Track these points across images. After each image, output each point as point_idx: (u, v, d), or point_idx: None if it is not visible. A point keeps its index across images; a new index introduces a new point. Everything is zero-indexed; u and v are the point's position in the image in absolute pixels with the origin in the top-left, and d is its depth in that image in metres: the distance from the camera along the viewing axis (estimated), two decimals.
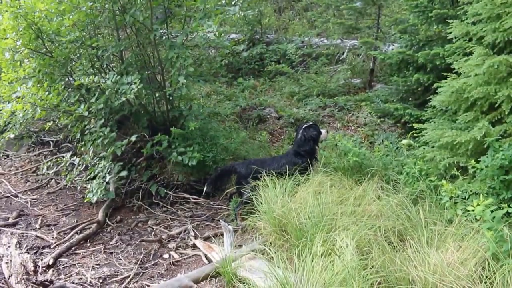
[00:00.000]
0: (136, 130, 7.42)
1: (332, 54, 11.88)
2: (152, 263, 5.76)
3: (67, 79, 7.35)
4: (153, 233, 6.50)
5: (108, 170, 6.79)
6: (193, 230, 6.38)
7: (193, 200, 7.23)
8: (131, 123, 7.67)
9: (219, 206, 7.04)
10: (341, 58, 11.75)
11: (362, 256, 4.39)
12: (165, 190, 7.27)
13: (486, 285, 3.96)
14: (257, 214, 5.69)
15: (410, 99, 8.56)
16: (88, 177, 7.25)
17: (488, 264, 4.08)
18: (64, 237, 6.30)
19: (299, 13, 14.66)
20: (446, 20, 7.02)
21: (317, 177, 6.04)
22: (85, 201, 6.99)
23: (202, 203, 7.17)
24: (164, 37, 7.05)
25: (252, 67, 11.74)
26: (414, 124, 6.83)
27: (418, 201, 5.54)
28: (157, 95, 7.52)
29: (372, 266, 4.30)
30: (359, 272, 4.08)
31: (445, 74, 6.32)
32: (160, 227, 6.62)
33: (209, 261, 5.59)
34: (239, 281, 4.77)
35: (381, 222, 4.99)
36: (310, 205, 5.28)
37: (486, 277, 4.02)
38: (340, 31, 11.05)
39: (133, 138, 6.74)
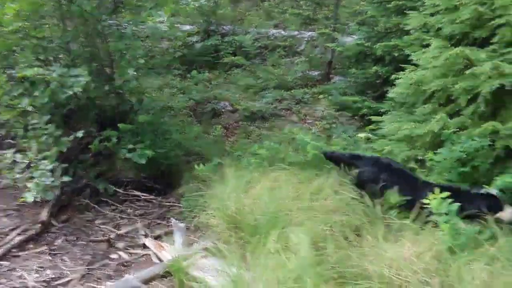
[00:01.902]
0: (83, 125, 7.07)
1: (290, 45, 11.73)
2: (100, 264, 5.46)
3: (9, 71, 6.94)
4: (101, 232, 6.18)
5: (50, 170, 6.41)
6: (143, 229, 6.12)
7: (143, 197, 6.94)
8: (78, 118, 7.31)
9: (171, 204, 6.78)
10: (298, 50, 11.61)
11: (317, 252, 4.23)
12: (114, 188, 6.95)
13: (442, 278, 3.87)
14: (210, 211, 5.48)
15: (368, 91, 8.53)
16: (30, 176, 6.87)
17: (444, 257, 4.01)
18: (4, 239, 5.93)
19: (256, 4, 14.43)
20: (405, 11, 6.94)
21: (273, 172, 5.86)
22: (20, 200, 6.58)
23: (153, 201, 6.90)
24: (113, 28, 6.74)
25: (207, 59, 11.46)
26: (372, 117, 6.77)
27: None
28: (106, 88, 7.19)
29: (328, 262, 4.16)
30: (314, 268, 3.94)
31: (403, 66, 6.25)
32: (109, 226, 6.31)
33: (160, 260, 5.35)
34: (191, 280, 4.58)
35: (338, 217, 4.84)
36: (265, 201, 5.10)
37: (442, 270, 3.94)
38: (298, 22, 10.94)
39: (80, 134, 6.42)
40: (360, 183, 5.27)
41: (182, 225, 5.17)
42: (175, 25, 8.71)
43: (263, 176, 5.81)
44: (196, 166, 6.42)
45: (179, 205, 6.53)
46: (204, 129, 8.59)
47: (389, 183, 4.98)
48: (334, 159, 5.72)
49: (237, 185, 5.62)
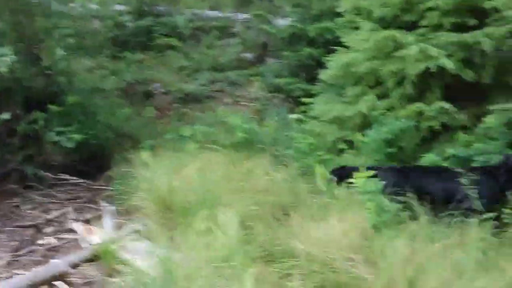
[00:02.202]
0: (10, 107, 6.77)
1: (224, 27, 11.60)
2: (27, 250, 5.27)
3: None
4: (29, 218, 5.96)
5: None
6: (73, 213, 5.95)
7: (73, 181, 6.72)
8: (4, 100, 6.99)
9: (102, 187, 6.60)
10: (233, 31, 11.52)
11: (246, 231, 4.25)
12: (42, 172, 6.71)
13: (366, 255, 3.96)
14: (141, 193, 5.38)
15: (302, 73, 8.56)
16: None
17: (369, 234, 4.11)
18: None
19: None
20: None
21: (205, 154, 5.83)
22: None
23: (84, 185, 6.69)
24: (41, 5, 6.46)
25: (140, 40, 11.11)
26: (304, 99, 6.81)
27: (307, 174, 5.50)
28: (34, 69, 6.90)
29: (256, 241, 4.18)
30: (242, 247, 3.95)
31: (334, 48, 6.31)
32: (37, 211, 6.10)
33: (90, 244, 5.23)
34: (120, 263, 4.50)
35: (268, 197, 4.88)
36: (196, 182, 5.07)
37: (367, 246, 4.03)
38: (232, 4, 10.82)
39: (6, 116, 6.17)
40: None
41: (112, 208, 5.07)
42: (106, 3, 8.45)
43: (195, 158, 5.77)
44: (127, 149, 6.30)
45: (110, 188, 6.37)
46: (136, 111, 8.38)
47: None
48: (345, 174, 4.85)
49: (169, 167, 5.55)
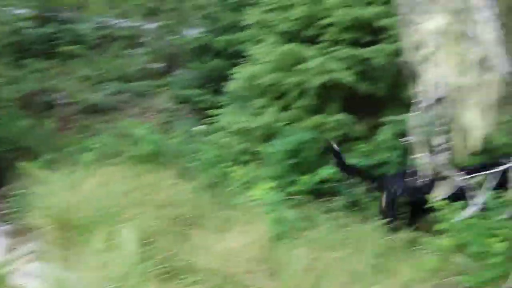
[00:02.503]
0: None
1: (133, 36, 11.39)
2: None
3: None
4: None
5: None
6: None
7: None
8: None
9: None
10: (142, 41, 11.34)
11: (146, 247, 4.16)
12: None
13: (268, 265, 4.04)
14: (38, 210, 5.13)
15: (209, 85, 8.54)
16: None
17: (270, 245, 4.17)
18: None
19: None
20: (245, 7, 7.04)
21: (108, 167, 5.67)
22: None
23: None
24: None
25: (43, 47, 10.66)
26: (211, 110, 6.81)
27: (212, 187, 5.48)
28: None
29: (157, 258, 4.11)
30: (140, 265, 3.86)
31: (239, 60, 6.36)
32: None
33: None
34: None
35: (171, 211, 4.83)
36: (96, 197, 4.91)
37: (268, 257, 4.10)
38: (141, 13, 10.65)
39: None
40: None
41: (5, 228, 4.79)
42: (4, 8, 8.03)
43: (96, 172, 5.61)
44: (24, 163, 6.00)
45: (5, 206, 6.03)
46: (38, 122, 8.04)
47: None
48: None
49: (68, 182, 5.36)
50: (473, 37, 3.00)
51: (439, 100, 3.42)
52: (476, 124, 3.31)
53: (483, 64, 2.99)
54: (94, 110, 8.71)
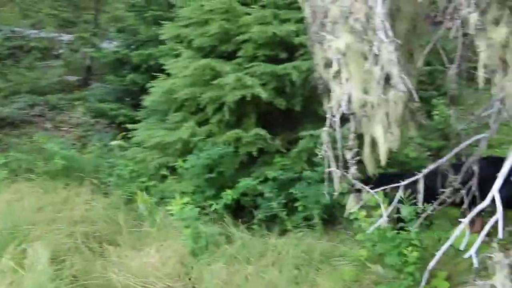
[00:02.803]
0: None
1: (47, 48, 11.06)
2: None
3: None
4: None
5: None
6: None
7: None
8: None
9: None
10: (56, 53, 11.03)
11: (58, 266, 4.04)
12: None
13: (185, 281, 4.04)
14: None
15: (126, 98, 8.46)
16: None
17: (187, 260, 4.19)
18: None
19: (10, 0, 13.27)
20: (162, 21, 7.03)
21: (16, 183, 5.47)
22: None
23: None
24: None
25: None
26: (127, 125, 6.72)
27: (129, 203, 5.42)
28: None
29: (73, 276, 4.00)
30: (54, 283, 3.74)
31: (156, 74, 6.33)
32: None
33: None
34: None
35: (85, 228, 4.73)
36: (7, 214, 4.71)
37: (185, 273, 4.10)
38: (55, 24, 10.38)
39: None
40: None
41: None
42: None
43: (7, 188, 5.40)
44: None
45: None
46: None
47: None
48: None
49: None
50: (375, 57, 3.16)
51: (348, 116, 3.56)
52: (382, 139, 3.47)
53: (385, 82, 3.16)
54: (6, 123, 8.35)
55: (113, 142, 6.94)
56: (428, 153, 5.60)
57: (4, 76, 9.81)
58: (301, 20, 5.33)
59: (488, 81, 3.52)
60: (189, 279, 4.07)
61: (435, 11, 4.00)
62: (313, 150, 5.03)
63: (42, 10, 10.46)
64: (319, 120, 5.33)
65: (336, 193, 3.96)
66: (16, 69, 10.14)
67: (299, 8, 5.34)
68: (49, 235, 4.41)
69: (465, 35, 3.57)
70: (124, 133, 6.77)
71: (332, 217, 5.18)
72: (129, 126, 6.59)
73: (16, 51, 10.82)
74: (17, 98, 9.11)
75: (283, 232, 4.90)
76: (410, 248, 3.73)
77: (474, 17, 3.19)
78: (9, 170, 5.95)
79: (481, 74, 3.41)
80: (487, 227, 3.38)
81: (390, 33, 3.12)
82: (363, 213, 4.11)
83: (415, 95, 3.26)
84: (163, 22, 6.66)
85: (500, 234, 3.13)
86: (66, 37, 11.12)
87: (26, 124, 8.46)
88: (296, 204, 5.04)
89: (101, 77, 9.89)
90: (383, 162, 3.53)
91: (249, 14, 5.63)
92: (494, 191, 3.39)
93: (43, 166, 6.12)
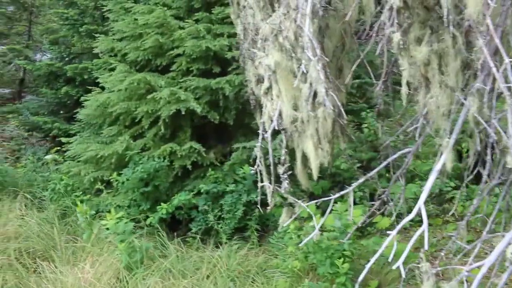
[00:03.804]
0: None
1: None
2: None
3: None
4: None
5: None
6: None
7: None
8: None
9: None
10: None
11: None
12: None
13: None
14: None
15: (61, 112, 8.34)
16: None
17: (122, 275, 4.20)
18: None
19: None
20: (96, 34, 6.98)
21: None
22: None
23: None
24: None
25: None
26: (62, 138, 6.64)
27: (63, 217, 5.36)
28: None
29: None
30: None
31: (91, 88, 6.29)
32: None
33: None
34: None
35: (18, 244, 4.65)
36: None
37: (120, 287, 4.09)
38: None
39: None
40: None
41: None
42: None
43: None
44: None
45: None
46: None
47: None
48: None
49: None
50: (303, 75, 3.28)
51: (280, 131, 3.66)
52: (313, 154, 3.59)
53: (314, 99, 3.28)
54: None
55: (47, 156, 6.84)
56: (359, 164, 5.80)
57: None
58: (234, 35, 5.44)
59: (413, 96, 3.71)
60: None
61: (363, 27, 4.17)
62: (246, 162, 5.18)
63: None
64: (252, 133, 5.51)
65: (269, 207, 4.06)
66: None
67: (231, 23, 5.48)
68: None
69: (390, 51, 3.75)
70: (57, 147, 6.67)
71: (266, 228, 5.30)
72: (64, 139, 6.51)
73: None
74: None
75: (218, 244, 4.98)
76: (341, 260, 3.89)
77: (397, 36, 3.35)
78: None
79: (404, 90, 3.58)
80: (413, 238, 3.55)
81: (318, 51, 3.24)
82: (293, 226, 4.24)
83: (343, 112, 3.40)
84: (97, 35, 6.61)
85: (425, 246, 3.29)
86: None
87: None
88: (226, 216, 5.13)
89: (35, 89, 9.69)
90: (315, 176, 3.64)
91: (183, 28, 5.69)
92: (421, 203, 3.57)
93: None
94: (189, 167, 5.40)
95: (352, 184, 4.24)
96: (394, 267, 3.49)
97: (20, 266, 4.36)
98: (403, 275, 3.41)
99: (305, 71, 3.35)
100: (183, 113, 5.32)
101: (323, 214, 4.25)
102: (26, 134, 8.38)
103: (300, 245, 4.07)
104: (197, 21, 5.80)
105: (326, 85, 3.30)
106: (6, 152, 7.87)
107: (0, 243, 4.64)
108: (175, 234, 5.17)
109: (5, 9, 10.07)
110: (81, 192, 5.58)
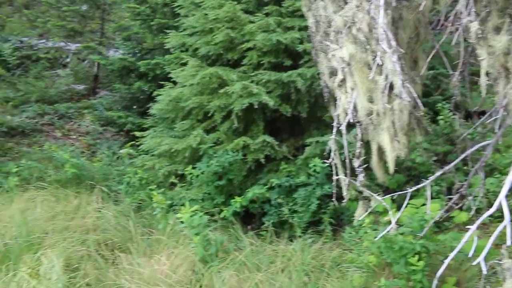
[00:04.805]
0: None
1: (55, 57, 11.17)
2: None
3: None
4: None
5: None
6: None
7: None
8: None
9: None
10: (64, 62, 11.13)
11: (72, 273, 4.12)
12: None
13: None
14: None
15: (134, 106, 8.52)
16: None
17: (198, 267, 4.25)
18: None
19: (18, 10, 13.39)
20: (167, 30, 7.10)
21: (28, 192, 5.55)
22: None
23: None
24: None
25: None
26: (135, 133, 6.79)
27: (138, 210, 5.49)
28: None
29: (86, 284, 4.08)
30: None
31: (163, 83, 6.40)
32: None
33: None
34: None
35: (97, 236, 4.81)
36: (18, 223, 4.80)
37: (196, 280, 4.17)
38: (62, 34, 10.47)
39: None
40: None
41: None
42: None
43: (17, 197, 5.49)
44: None
45: None
46: None
47: None
48: None
49: None
50: (378, 67, 3.21)
51: (355, 124, 3.60)
52: (389, 147, 3.51)
53: (390, 91, 3.21)
54: (15, 133, 8.45)
55: (122, 150, 7.02)
56: (435, 158, 5.64)
57: (13, 86, 9.92)
58: (305, 28, 5.40)
59: (492, 87, 3.56)
60: (200, 286, 4.14)
61: (438, 17, 4.04)
62: (320, 157, 5.13)
63: (50, 21, 10.50)
64: (325, 126, 5.44)
65: (344, 201, 4.00)
66: (25, 79, 10.24)
67: (302, 16, 5.43)
68: (62, 243, 4.49)
69: (467, 41, 3.61)
70: (132, 141, 6.84)
71: (340, 222, 5.25)
72: (137, 134, 6.65)
73: (24, 61, 10.92)
74: (27, 107, 9.22)
75: (292, 238, 4.97)
76: (416, 257, 3.79)
77: (474, 26, 3.22)
78: (21, 178, 6.05)
79: (483, 81, 3.44)
80: (495, 233, 3.41)
81: (393, 43, 3.16)
82: (368, 220, 4.17)
83: (420, 104, 3.30)
84: (168, 31, 6.72)
85: (508, 241, 3.16)
86: (73, 47, 11.21)
87: (36, 132, 8.55)
88: (299, 210, 5.10)
89: (109, 85, 9.98)
90: (391, 169, 3.56)
91: (253, 22, 5.69)
92: (502, 198, 3.42)
93: (54, 175, 6.19)
94: (262, 160, 5.39)
95: (429, 178, 4.15)
96: (474, 263, 3.37)
97: (99, 257, 4.48)
98: (485, 271, 3.30)
99: (380, 63, 3.28)
100: (255, 106, 5.32)
101: (398, 208, 4.17)
102: (101, 129, 8.62)
103: (375, 239, 4.00)
104: (267, 14, 5.78)
105: (402, 77, 3.22)
106: (82, 147, 8.13)
107: (80, 235, 4.80)
108: (249, 227, 5.21)
109: (79, 8, 10.41)
110: (155, 186, 5.66)
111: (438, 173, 4.20)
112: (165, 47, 6.81)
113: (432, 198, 4.50)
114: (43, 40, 11.65)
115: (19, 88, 9.84)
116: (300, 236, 4.87)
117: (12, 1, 13.78)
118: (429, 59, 3.93)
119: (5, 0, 13.79)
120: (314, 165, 5.14)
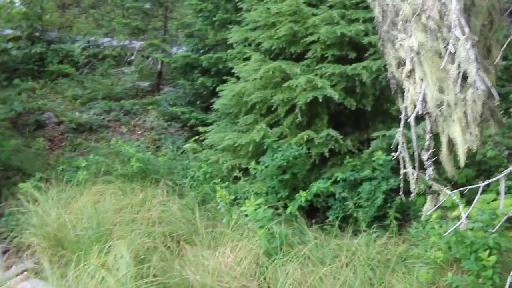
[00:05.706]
0: None
1: (120, 55, 11.46)
2: None
3: None
4: None
5: None
6: None
7: None
8: None
9: None
10: (129, 60, 11.41)
11: (140, 264, 4.20)
12: None
13: (260, 281, 4.12)
14: (32, 229, 5.16)
15: (197, 102, 8.64)
16: None
17: (262, 260, 4.26)
18: None
19: (85, 11, 13.85)
20: (229, 25, 7.15)
21: (98, 185, 5.72)
22: None
23: None
24: None
25: (31, 67, 10.61)
26: (199, 128, 6.87)
27: (203, 204, 5.55)
28: None
29: (150, 274, 4.15)
30: (136, 282, 3.90)
31: (226, 78, 6.44)
32: None
33: None
34: None
35: (162, 228, 4.90)
36: (88, 215, 4.95)
37: (260, 273, 4.16)
38: (126, 32, 10.74)
39: None
40: None
41: None
42: None
43: (87, 190, 5.66)
44: (19, 184, 6.01)
45: None
46: (26, 142, 8.04)
47: None
48: None
49: (60, 200, 5.40)
50: (450, 55, 3.09)
51: (424, 116, 3.49)
52: (460, 139, 3.38)
53: (462, 81, 3.09)
54: (83, 129, 8.75)
55: (186, 145, 7.13)
56: (507, 152, 5.41)
57: (81, 84, 10.28)
58: (369, 20, 5.31)
59: None
60: (264, 279, 4.13)
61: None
62: (386, 150, 5.02)
63: (114, 20, 10.79)
64: (391, 119, 5.32)
65: (412, 195, 3.89)
66: (92, 77, 10.58)
67: (366, 8, 5.34)
68: (129, 235, 4.60)
69: None
70: (196, 135, 6.93)
71: (406, 217, 5.12)
72: (201, 128, 6.73)
73: (91, 60, 11.28)
74: (94, 104, 9.53)
75: (357, 232, 4.89)
76: (487, 252, 3.64)
77: None
78: (89, 172, 6.25)
79: None
80: None
81: (467, 29, 3.04)
82: (435, 215, 4.04)
83: (495, 93, 3.16)
84: (230, 26, 6.74)
85: None
86: (137, 44, 11.48)
87: (103, 128, 8.82)
88: (364, 204, 5.02)
89: (172, 81, 10.17)
90: (462, 162, 3.43)
91: (316, 15, 5.64)
92: None
93: (121, 169, 6.35)
94: (327, 154, 5.33)
95: (503, 172, 3.98)
96: None
97: (165, 249, 4.56)
98: None
99: (452, 51, 3.16)
100: (320, 100, 5.26)
101: (467, 203, 4.02)
102: (165, 124, 8.79)
103: (445, 234, 3.88)
104: (330, 7, 5.72)
105: (476, 65, 3.09)
106: (148, 142, 8.32)
107: (146, 227, 4.90)
108: (313, 221, 5.16)
109: (142, 5, 10.64)
110: (219, 180, 5.71)
111: (511, 167, 4.02)
112: (228, 43, 6.87)
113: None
114: (109, 39, 11.98)
115: (86, 86, 10.18)
116: (364, 231, 4.77)
117: (79, 2, 14.25)
118: (504, 47, 3.76)
119: (72, 1, 14.27)
120: (378, 159, 5.05)
